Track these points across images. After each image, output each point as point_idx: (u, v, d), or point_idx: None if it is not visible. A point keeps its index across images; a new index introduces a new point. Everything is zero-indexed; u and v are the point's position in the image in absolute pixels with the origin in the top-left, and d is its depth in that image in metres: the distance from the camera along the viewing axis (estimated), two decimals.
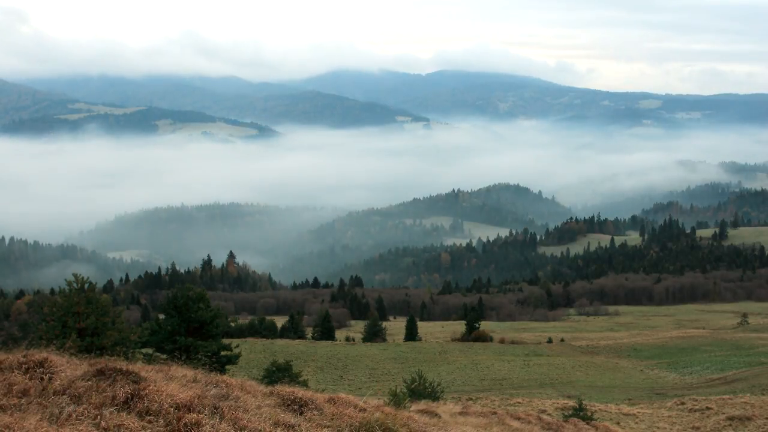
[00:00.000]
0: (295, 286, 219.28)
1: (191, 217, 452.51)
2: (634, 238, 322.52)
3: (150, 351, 34.64)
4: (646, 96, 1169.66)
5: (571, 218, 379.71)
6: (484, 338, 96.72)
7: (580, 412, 32.31)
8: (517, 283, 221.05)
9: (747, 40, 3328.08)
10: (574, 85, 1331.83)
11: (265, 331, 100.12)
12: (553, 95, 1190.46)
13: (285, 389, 11.92)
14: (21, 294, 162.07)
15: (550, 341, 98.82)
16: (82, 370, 10.34)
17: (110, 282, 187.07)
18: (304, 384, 32.26)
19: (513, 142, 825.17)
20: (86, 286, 28.30)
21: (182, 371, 11.58)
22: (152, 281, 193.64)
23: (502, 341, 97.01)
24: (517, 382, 64.30)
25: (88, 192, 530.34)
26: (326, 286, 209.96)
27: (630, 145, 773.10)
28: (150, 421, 8.83)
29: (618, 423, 37.11)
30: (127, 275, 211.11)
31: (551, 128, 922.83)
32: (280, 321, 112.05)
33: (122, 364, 10.75)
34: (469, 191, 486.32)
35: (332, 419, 10.87)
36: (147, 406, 9.14)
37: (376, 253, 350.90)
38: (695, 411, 41.60)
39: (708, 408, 41.84)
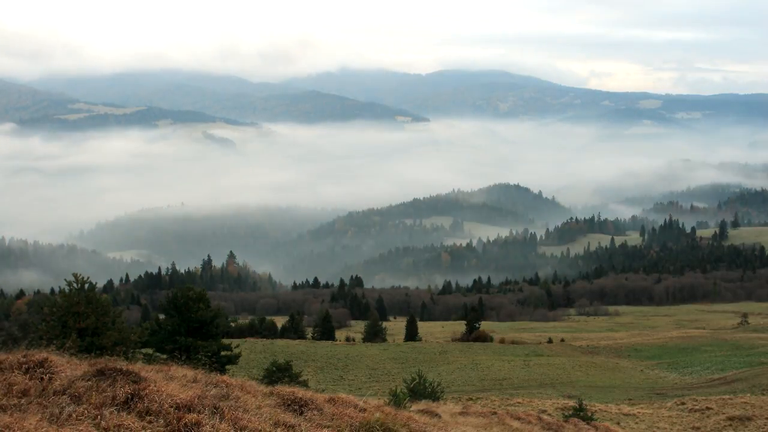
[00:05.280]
0: (295, 286, 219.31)
1: (191, 217, 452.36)
2: (634, 238, 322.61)
3: (150, 351, 34.61)
4: (646, 96, 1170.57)
5: (571, 218, 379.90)
6: (484, 338, 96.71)
7: (581, 412, 32.29)
8: (517, 283, 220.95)
9: (747, 40, 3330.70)
10: (574, 85, 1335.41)
11: (265, 331, 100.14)
12: (553, 95, 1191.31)
13: (285, 389, 11.91)
14: (21, 294, 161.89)
15: (550, 341, 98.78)
16: (82, 370, 10.33)
17: (110, 282, 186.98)
18: (304, 384, 32.27)
19: (513, 142, 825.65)
20: (86, 286, 28.26)
21: (182, 371, 11.58)
22: (152, 281, 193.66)
23: (502, 341, 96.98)
24: (517, 382, 64.27)
25: (89, 192, 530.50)
26: (326, 286, 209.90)
27: (630, 145, 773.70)
28: (150, 421, 8.82)
29: (618, 423, 37.10)
30: (127, 275, 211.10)
31: (551, 128, 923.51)
32: (280, 321, 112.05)
33: (122, 364, 10.74)
34: (469, 191, 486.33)
35: (332, 419, 10.86)
36: (147, 406, 9.13)
37: (376, 253, 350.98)
38: (695, 411, 41.58)
39: (708, 408, 41.83)
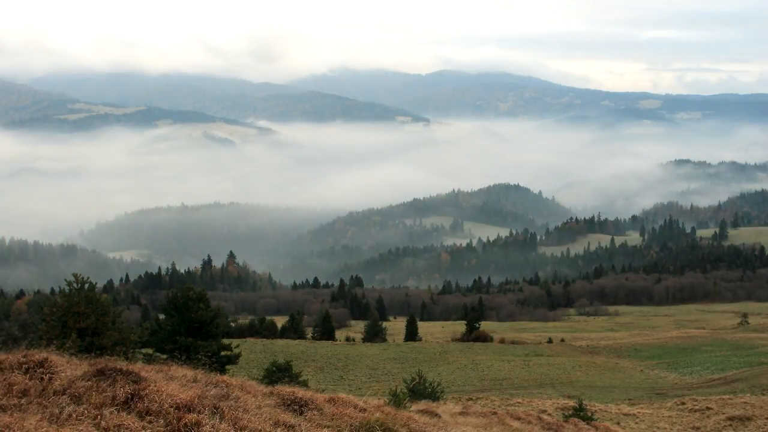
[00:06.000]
0: (295, 286, 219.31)
1: (191, 217, 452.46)
2: (634, 238, 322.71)
3: (150, 351, 34.60)
4: (646, 96, 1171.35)
5: (571, 218, 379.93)
6: (484, 338, 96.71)
7: (581, 412, 32.29)
8: (517, 283, 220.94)
9: (748, 40, 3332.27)
10: (574, 85, 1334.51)
11: (265, 331, 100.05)
12: (553, 95, 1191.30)
13: (285, 389, 11.91)
14: (21, 294, 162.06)
15: (550, 341, 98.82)
16: (82, 370, 10.33)
17: (110, 282, 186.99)
18: (304, 384, 32.25)
19: (513, 142, 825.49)
20: (86, 286, 28.21)
21: (182, 371, 11.58)
22: (152, 281, 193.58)
23: (502, 341, 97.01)
24: (517, 382, 64.26)
25: (89, 192, 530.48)
26: (326, 286, 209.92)
27: (630, 145, 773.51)
28: (150, 421, 8.82)
29: (618, 423, 37.10)
30: (127, 275, 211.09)
31: (551, 128, 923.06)
32: (280, 321, 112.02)
33: (122, 364, 10.74)
34: (469, 191, 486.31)
35: (332, 419, 10.86)
36: (147, 406, 9.13)
37: (376, 253, 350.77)
38: (695, 411, 41.58)
39: (708, 408, 41.82)
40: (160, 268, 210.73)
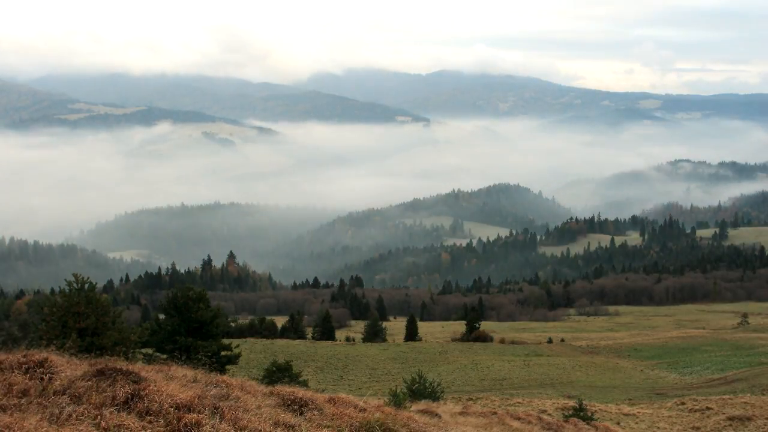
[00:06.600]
0: (295, 286, 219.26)
1: (191, 217, 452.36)
2: (634, 238, 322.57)
3: (150, 351, 34.60)
4: (646, 96, 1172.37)
5: (571, 218, 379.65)
6: (484, 338, 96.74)
7: (581, 412, 32.29)
8: (517, 283, 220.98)
9: (747, 40, 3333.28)
10: (574, 85, 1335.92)
11: (265, 331, 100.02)
12: (553, 95, 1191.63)
13: (285, 389, 11.90)
14: (21, 294, 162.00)
15: (550, 341, 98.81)
16: (82, 370, 10.33)
17: (110, 282, 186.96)
18: (304, 384, 32.26)
19: (513, 142, 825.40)
20: (86, 286, 28.19)
21: (182, 371, 11.57)
22: (152, 281, 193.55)
23: (502, 341, 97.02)
24: (518, 382, 64.25)
25: (89, 192, 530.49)
26: (326, 286, 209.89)
27: (630, 145, 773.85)
28: (150, 421, 8.82)
29: (618, 423, 37.09)
30: (127, 275, 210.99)
31: (551, 128, 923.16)
32: (280, 321, 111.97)
33: (122, 364, 10.74)
34: (469, 191, 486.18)
35: (332, 419, 10.86)
36: (147, 406, 9.13)
37: (376, 253, 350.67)
38: (695, 411, 41.57)
39: (708, 408, 41.80)
40: (160, 268, 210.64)
